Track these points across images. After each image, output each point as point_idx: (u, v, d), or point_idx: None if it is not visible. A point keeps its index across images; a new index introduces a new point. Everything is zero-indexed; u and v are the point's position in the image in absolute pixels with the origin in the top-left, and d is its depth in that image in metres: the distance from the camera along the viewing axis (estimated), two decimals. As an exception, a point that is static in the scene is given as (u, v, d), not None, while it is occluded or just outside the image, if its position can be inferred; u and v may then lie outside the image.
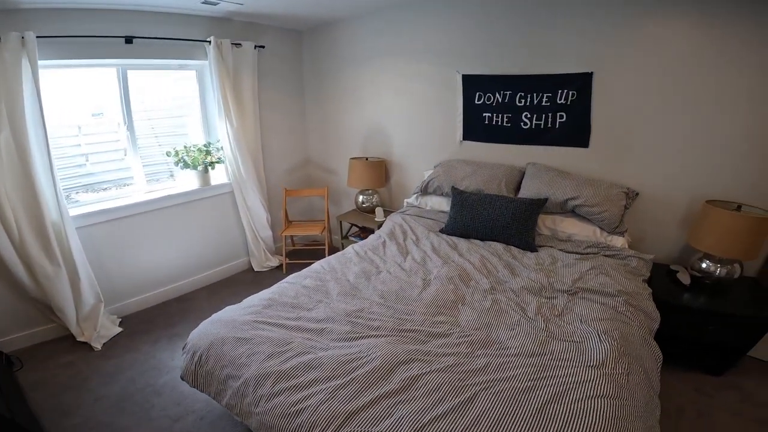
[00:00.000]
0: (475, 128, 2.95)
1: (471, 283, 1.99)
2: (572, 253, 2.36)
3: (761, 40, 2.08)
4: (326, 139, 3.89)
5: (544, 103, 2.65)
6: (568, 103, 2.59)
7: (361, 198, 3.49)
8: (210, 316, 1.82)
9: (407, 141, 3.35)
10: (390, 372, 1.35)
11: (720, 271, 2.27)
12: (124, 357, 2.44)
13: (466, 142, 3.05)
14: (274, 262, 3.63)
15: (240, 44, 3.12)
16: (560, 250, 2.40)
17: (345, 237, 3.54)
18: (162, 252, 3.06)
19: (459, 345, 1.50)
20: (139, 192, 2.96)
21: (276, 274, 3.41)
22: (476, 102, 2.87)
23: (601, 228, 2.47)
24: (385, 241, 2.44)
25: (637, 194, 2.56)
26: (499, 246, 2.43)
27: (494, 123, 2.86)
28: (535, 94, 2.65)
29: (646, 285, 2.10)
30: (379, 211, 3.31)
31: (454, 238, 2.54)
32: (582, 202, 2.45)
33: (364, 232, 3.42)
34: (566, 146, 2.71)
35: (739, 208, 2.25)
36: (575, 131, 2.64)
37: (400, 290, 1.86)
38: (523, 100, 2.70)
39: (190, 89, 3.19)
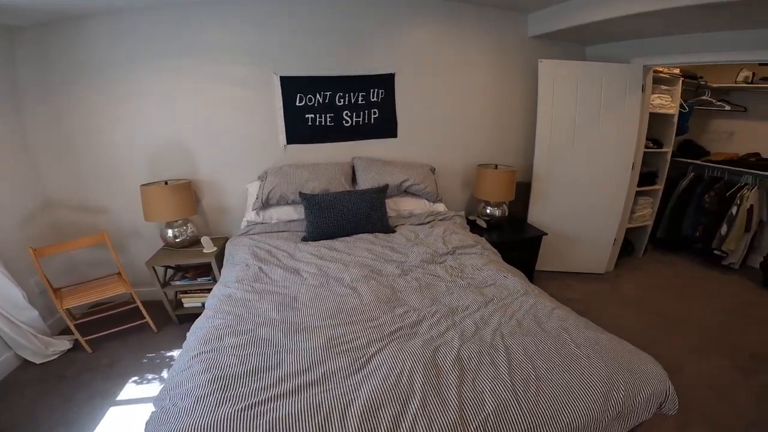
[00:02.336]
0: (299, 131, 2.90)
1: (385, 274, 2.06)
2: (420, 224, 2.79)
3: (486, 46, 3.08)
4: (79, 170, 2.75)
5: (360, 102, 2.92)
6: (379, 100, 2.98)
7: (171, 232, 2.75)
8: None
9: (219, 155, 2.88)
10: (438, 366, 1.31)
11: (497, 212, 3.25)
12: None
13: (291, 145, 2.95)
14: (63, 344, 2.41)
15: None
16: (410, 225, 2.78)
17: (166, 284, 2.72)
18: None
19: (439, 322, 1.58)
20: None
21: (79, 358, 2.38)
22: (298, 104, 2.82)
23: (427, 200, 3.03)
24: (260, 267, 2.10)
25: (434, 169, 3.25)
26: (368, 236, 2.57)
27: (318, 123, 2.90)
28: (352, 94, 2.88)
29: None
30: (206, 241, 2.74)
31: (323, 242, 2.48)
32: (413, 182, 2.91)
33: (192, 272, 2.76)
34: (381, 138, 3.11)
35: (496, 167, 3.28)
36: (386, 124, 3.07)
37: (340, 305, 1.70)
38: (342, 100, 2.88)
39: None
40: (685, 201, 3.94)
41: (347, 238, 2.55)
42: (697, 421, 1.85)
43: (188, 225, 2.82)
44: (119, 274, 2.68)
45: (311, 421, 1.06)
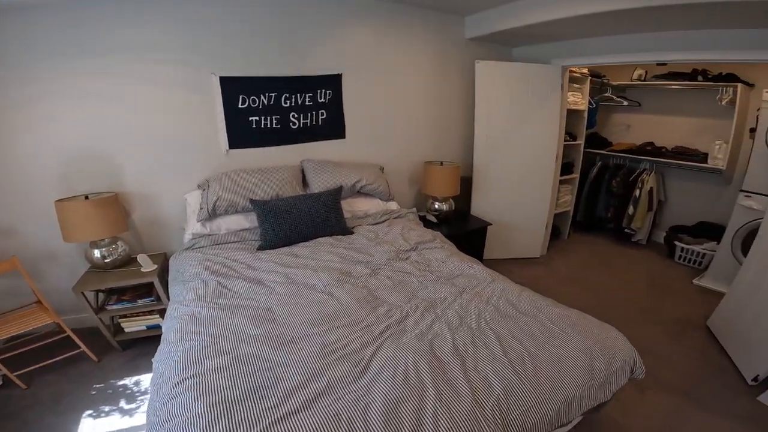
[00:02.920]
0: (242, 134, 2.72)
1: (356, 275, 2.03)
2: (377, 224, 2.81)
3: (428, 47, 3.20)
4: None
5: (307, 103, 2.84)
6: (327, 101, 2.92)
7: (98, 252, 2.41)
8: None
9: (151, 163, 2.59)
10: (439, 358, 1.33)
11: (445, 207, 3.38)
12: None
13: (235, 150, 2.76)
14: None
15: None
16: (368, 225, 2.78)
17: (101, 309, 2.37)
18: None
19: (423, 316, 1.60)
20: None
21: (14, 395, 2.07)
22: (240, 106, 2.65)
23: (381, 199, 3.06)
24: (220, 282, 1.94)
25: (383, 168, 3.29)
26: (328, 239, 2.51)
27: (264, 126, 2.76)
28: (299, 95, 2.79)
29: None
30: (144, 259, 2.45)
31: (282, 250, 2.37)
32: (366, 182, 2.92)
33: (130, 294, 2.45)
34: (330, 139, 3.06)
35: (441, 163, 3.41)
36: (334, 125, 3.03)
37: (321, 311, 1.63)
38: (288, 101, 2.77)
39: None
40: (596, 187, 4.48)
41: (306, 243, 2.47)
42: (650, 385, 2.08)
43: (119, 243, 2.50)
44: (39, 302, 2.28)
45: (344, 427, 1.02)
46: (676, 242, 3.88)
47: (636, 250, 4.19)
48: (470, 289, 1.87)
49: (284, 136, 2.86)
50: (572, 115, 3.85)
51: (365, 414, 1.05)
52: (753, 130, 3.14)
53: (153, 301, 2.40)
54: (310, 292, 1.81)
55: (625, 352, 1.42)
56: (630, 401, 1.97)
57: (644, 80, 3.98)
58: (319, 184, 2.79)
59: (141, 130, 2.50)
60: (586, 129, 4.12)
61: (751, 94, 3.41)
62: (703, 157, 3.74)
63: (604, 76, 4.15)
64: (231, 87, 2.58)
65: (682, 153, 3.91)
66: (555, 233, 4.30)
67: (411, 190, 3.63)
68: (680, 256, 3.84)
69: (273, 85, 2.69)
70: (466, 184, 3.55)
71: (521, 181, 3.60)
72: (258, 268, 2.11)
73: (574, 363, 1.30)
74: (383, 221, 2.86)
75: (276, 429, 1.00)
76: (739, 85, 3.28)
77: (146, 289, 2.45)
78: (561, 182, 4.00)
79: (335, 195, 2.68)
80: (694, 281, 3.43)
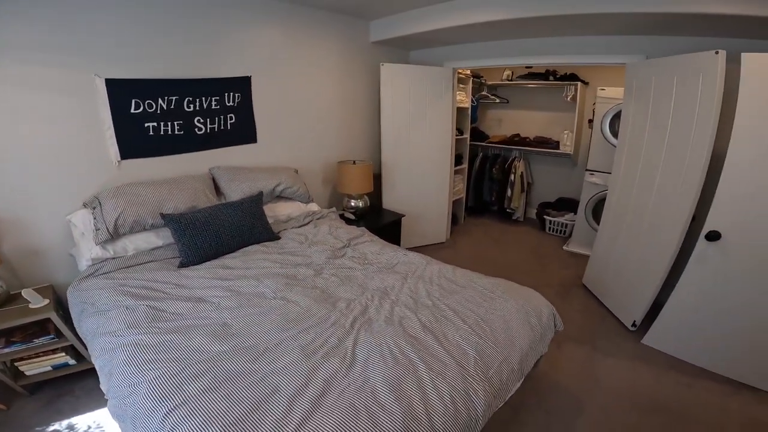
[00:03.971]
0: (137, 143, 2.41)
1: (301, 277, 2.02)
2: (302, 226, 2.80)
3: (336, 50, 3.27)
4: None
5: (214, 107, 2.66)
6: (236, 104, 2.77)
7: (-43, 299, 1.91)
8: None
9: (18, 182, 2.11)
10: (414, 336, 1.44)
11: (361, 204, 3.52)
12: None
13: (129, 161, 2.43)
14: None
15: None
16: (293, 228, 2.76)
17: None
18: None
19: (381, 304, 1.70)
20: None
21: None
22: (133, 111, 2.34)
23: (301, 201, 3.04)
24: (150, 305, 1.73)
25: (297, 171, 3.27)
26: (257, 247, 2.42)
27: (163, 133, 2.49)
28: (204, 98, 2.59)
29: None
30: (31, 294, 2.00)
31: (210, 263, 2.21)
32: (285, 186, 2.87)
33: (20, 334, 1.99)
34: (240, 144, 2.92)
35: (354, 162, 3.53)
36: (245, 130, 2.90)
37: (284, 316, 1.58)
38: (192, 105, 2.55)
39: None
40: (481, 175, 5.15)
41: (234, 254, 2.34)
42: (563, 339, 2.51)
43: (-10, 281, 2.01)
44: None
45: (364, 414, 1.07)
46: (545, 216, 4.72)
47: (517, 226, 4.96)
48: (411, 273, 2.04)
49: (189, 143, 2.62)
50: (459, 112, 4.35)
51: (375, 398, 1.11)
52: (591, 121, 4.02)
53: (54, 338, 2.01)
54: (262, 301, 1.76)
55: (547, 308, 1.76)
56: (553, 356, 2.37)
57: (511, 80, 4.72)
58: (236, 191, 2.65)
59: (7, 146, 2.03)
60: (471, 124, 4.70)
61: (587, 92, 4.34)
62: (557, 144, 4.61)
63: (482, 76, 4.78)
64: (120, 90, 2.26)
65: (543, 142, 4.76)
66: (454, 219, 4.81)
67: (326, 190, 3.68)
68: (550, 228, 4.69)
69: (173, 88, 2.44)
70: (377, 180, 3.74)
71: (424, 174, 3.94)
72: (189, 285, 1.94)
73: (517, 322, 1.57)
74: (307, 223, 2.86)
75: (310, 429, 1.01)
76: (578, 83, 4.16)
77: (38, 327, 2.03)
78: (454, 173, 4.49)
79: (257, 201, 2.59)
80: (564, 248, 4.23)
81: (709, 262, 2.22)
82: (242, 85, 2.77)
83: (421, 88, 3.64)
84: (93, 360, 1.48)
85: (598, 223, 3.29)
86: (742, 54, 1.98)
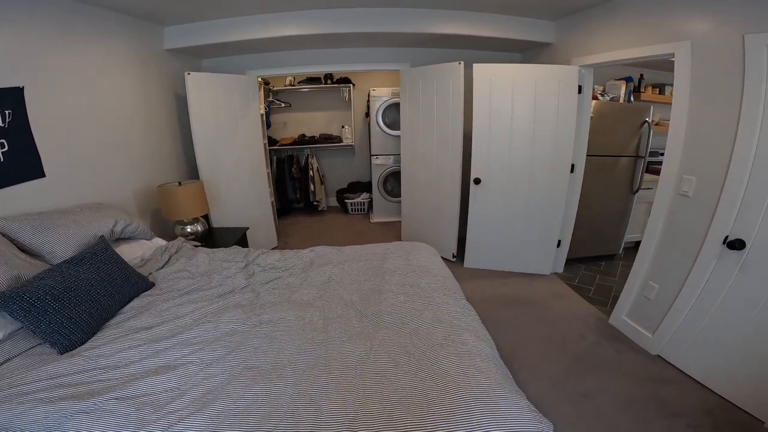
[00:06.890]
0: None
1: (250, 301, 1.84)
2: (164, 266, 2.31)
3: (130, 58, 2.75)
4: None
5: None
6: (6, 125, 1.94)
7: None
8: None
9: None
10: (359, 308, 1.66)
11: (199, 227, 3.15)
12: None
13: None
14: None
15: None
16: (161, 270, 2.26)
17: None
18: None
19: (330, 297, 1.88)
20: None
21: None
22: None
23: (144, 239, 2.51)
24: (118, 397, 1.24)
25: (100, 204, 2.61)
26: (146, 299, 1.92)
27: None
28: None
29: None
30: None
31: (110, 333, 1.65)
32: (124, 224, 2.33)
33: None
34: (21, 183, 2.05)
35: (179, 183, 3.08)
36: (25, 160, 2.07)
37: (270, 347, 1.47)
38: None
39: None
40: (281, 177, 5.35)
41: (125, 314, 1.78)
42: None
43: None
44: None
45: (407, 373, 1.33)
46: (346, 201, 5.49)
47: (324, 215, 5.52)
48: (318, 266, 2.22)
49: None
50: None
51: (398, 365, 1.38)
52: (368, 115, 4.97)
53: None
54: (246, 334, 1.57)
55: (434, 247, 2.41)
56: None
57: (293, 85, 5.08)
58: (59, 244, 1.93)
59: None
60: (267, 129, 4.80)
61: (356, 92, 5.25)
62: (339, 138, 5.40)
63: (269, 82, 4.90)
64: None
65: (327, 138, 5.44)
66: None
67: (145, 222, 3.03)
68: (352, 209, 5.50)
69: None
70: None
71: (244, 181, 3.80)
72: (118, 365, 1.43)
73: (426, 284, 2.02)
74: (168, 261, 2.40)
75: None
76: (351, 85, 5.02)
77: None
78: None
79: (106, 247, 2.00)
80: (370, 221, 5.11)
81: (478, 198, 3.44)
82: (12, 98, 1.96)
83: (230, 97, 3.49)
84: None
85: (390, 195, 4.23)
86: (474, 64, 3.16)
